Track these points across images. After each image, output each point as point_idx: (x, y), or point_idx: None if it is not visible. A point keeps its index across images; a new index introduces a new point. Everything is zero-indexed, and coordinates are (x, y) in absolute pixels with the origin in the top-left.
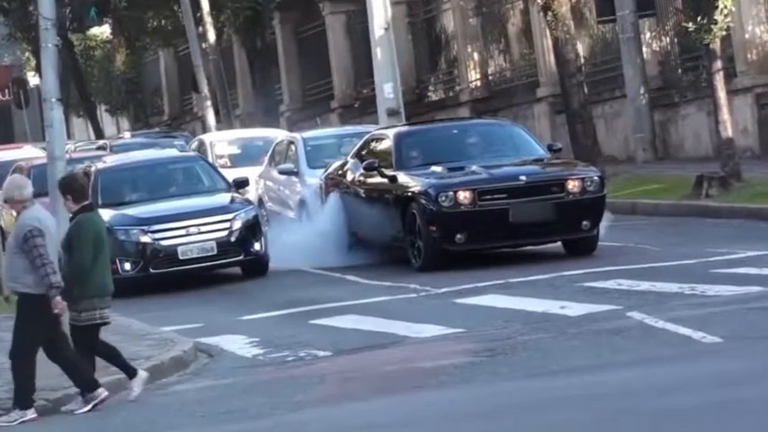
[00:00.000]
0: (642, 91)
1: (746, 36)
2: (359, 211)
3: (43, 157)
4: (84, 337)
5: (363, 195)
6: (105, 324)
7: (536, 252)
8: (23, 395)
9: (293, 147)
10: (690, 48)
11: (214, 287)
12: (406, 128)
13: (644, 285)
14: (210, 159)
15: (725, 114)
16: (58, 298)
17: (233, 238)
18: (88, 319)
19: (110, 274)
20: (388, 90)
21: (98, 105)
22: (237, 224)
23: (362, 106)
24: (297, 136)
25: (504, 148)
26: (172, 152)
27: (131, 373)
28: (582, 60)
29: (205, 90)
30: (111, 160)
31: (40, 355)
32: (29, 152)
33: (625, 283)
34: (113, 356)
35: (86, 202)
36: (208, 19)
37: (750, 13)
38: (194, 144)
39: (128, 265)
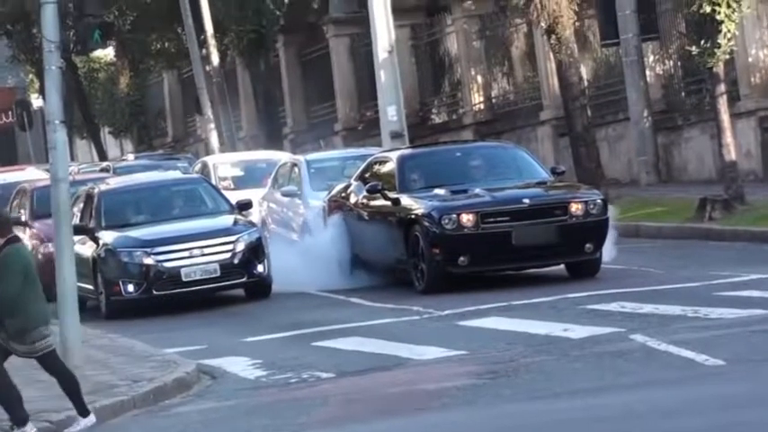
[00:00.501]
0: (645, 114)
1: (750, 60)
2: (362, 234)
3: (47, 179)
4: (50, 364)
5: (366, 218)
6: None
7: (539, 275)
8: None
9: (296, 169)
10: (693, 71)
11: (217, 309)
12: (409, 150)
13: (647, 308)
14: (214, 181)
15: (728, 137)
16: None
17: (236, 260)
18: (43, 348)
19: (44, 301)
20: (391, 113)
21: (101, 127)
22: (240, 246)
23: (366, 129)
24: (300, 158)
25: (507, 170)
26: (175, 174)
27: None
28: (585, 83)
29: (208, 112)
30: (114, 182)
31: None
32: (32, 174)
33: (628, 305)
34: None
35: (11, 235)
36: (211, 41)
37: (753, 36)
38: (197, 166)
39: (131, 287)
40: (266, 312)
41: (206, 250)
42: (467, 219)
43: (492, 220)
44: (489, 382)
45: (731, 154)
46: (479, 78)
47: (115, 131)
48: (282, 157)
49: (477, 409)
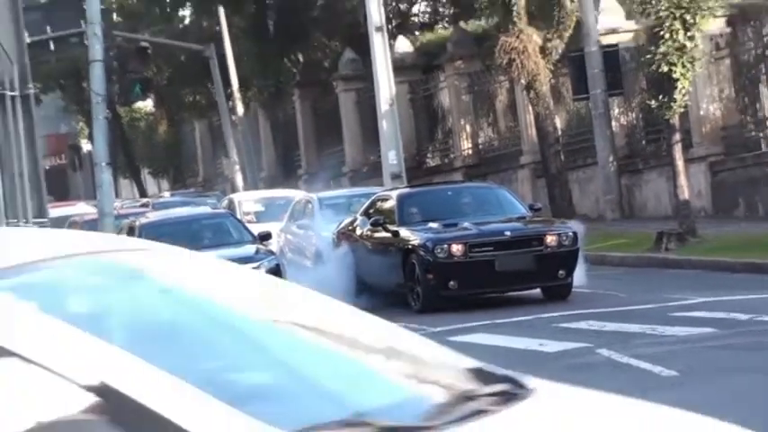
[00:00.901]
0: (611, 159)
1: (701, 113)
2: (366, 261)
3: (94, 213)
4: None
5: (370, 247)
6: None
7: (519, 297)
8: None
9: (310, 205)
10: (652, 122)
11: None
12: (407, 189)
13: (611, 326)
14: (239, 216)
15: (682, 180)
16: None
17: None
18: None
19: None
20: (392, 157)
21: (142, 168)
22: (262, 272)
23: (370, 170)
24: (313, 196)
25: (491, 207)
26: (205, 209)
27: None
28: (559, 132)
29: (234, 156)
30: (153, 216)
31: None
32: (82, 209)
33: (595, 323)
34: None
35: None
36: (237, 95)
37: (705, 93)
38: (225, 202)
39: None
40: None
41: None
42: (456, 248)
43: (478, 249)
44: None
45: (685, 194)
46: (468, 127)
47: (154, 172)
48: (298, 194)
49: None
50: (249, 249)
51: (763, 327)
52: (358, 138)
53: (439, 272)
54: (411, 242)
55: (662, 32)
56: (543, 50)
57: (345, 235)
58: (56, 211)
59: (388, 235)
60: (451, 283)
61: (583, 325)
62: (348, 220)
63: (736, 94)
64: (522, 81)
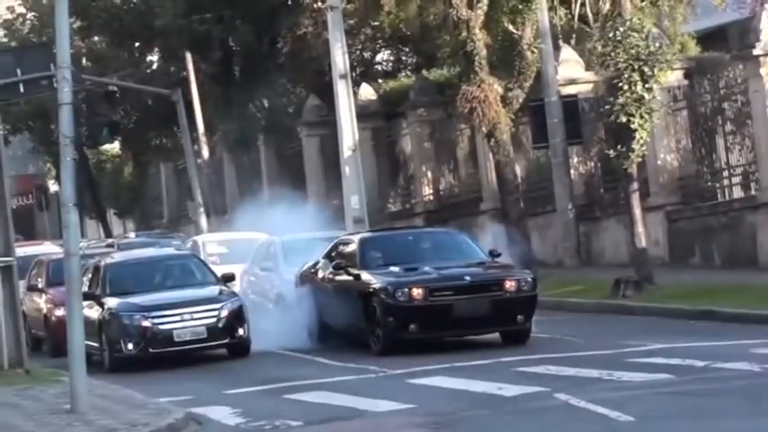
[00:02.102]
0: (570, 206)
1: (659, 162)
2: (328, 303)
3: (60, 252)
4: None
5: (332, 290)
6: None
7: (478, 341)
8: None
9: (273, 248)
10: (611, 171)
11: (204, 365)
12: (369, 234)
13: (569, 371)
14: (203, 257)
15: (640, 228)
16: None
17: (221, 324)
18: None
19: None
20: (354, 201)
21: (108, 209)
22: (225, 312)
23: (333, 214)
24: (276, 239)
25: (452, 252)
26: (170, 250)
27: None
28: (519, 180)
29: (199, 198)
30: (118, 256)
31: None
32: (48, 248)
33: (553, 368)
34: None
35: None
36: (203, 139)
37: (662, 143)
38: (189, 244)
39: (130, 345)
40: (245, 369)
41: (195, 315)
42: (417, 292)
43: (438, 293)
44: None
45: (642, 242)
46: (429, 174)
47: (119, 213)
48: (261, 237)
49: None
50: (213, 290)
51: (718, 374)
52: (321, 182)
53: (399, 315)
54: (372, 285)
55: (621, 84)
56: (504, 100)
57: (308, 277)
58: (22, 249)
59: (350, 278)
60: (412, 326)
61: (541, 369)
62: (310, 263)
63: (692, 144)
64: (483, 129)
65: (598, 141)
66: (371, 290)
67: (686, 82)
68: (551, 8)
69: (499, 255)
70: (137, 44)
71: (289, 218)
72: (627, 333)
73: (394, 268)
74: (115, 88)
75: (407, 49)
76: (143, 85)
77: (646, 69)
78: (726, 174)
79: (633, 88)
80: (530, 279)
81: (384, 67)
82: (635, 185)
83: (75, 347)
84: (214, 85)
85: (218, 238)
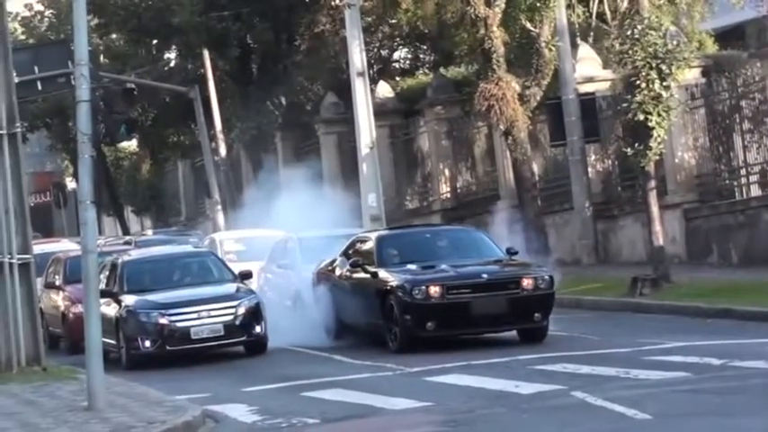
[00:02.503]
0: (587, 204)
1: (676, 161)
2: (345, 301)
3: (78, 250)
4: None
5: (349, 288)
6: None
7: (495, 339)
8: None
9: (290, 245)
10: (628, 169)
11: (221, 363)
12: (386, 231)
13: (585, 369)
14: (220, 254)
15: (657, 226)
16: None
17: (238, 322)
18: None
19: None
20: (371, 199)
21: (125, 207)
22: (242, 310)
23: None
24: (293, 236)
25: (469, 250)
26: (187, 248)
27: None
28: (536, 177)
29: (216, 196)
30: (135, 254)
31: None
32: (65, 245)
33: (570, 366)
34: None
35: None
36: (220, 136)
37: (679, 141)
38: (206, 241)
39: (148, 343)
40: (262, 366)
41: (212, 313)
42: (434, 290)
43: (455, 291)
44: (451, 430)
45: (659, 240)
46: (447, 171)
47: (136, 210)
48: (278, 234)
49: None
50: (230, 288)
51: (735, 372)
52: (338, 180)
53: (416, 313)
54: (389, 283)
55: (638, 82)
56: (522, 97)
57: (325, 275)
58: (40, 247)
59: (367, 276)
60: (429, 324)
61: (558, 367)
62: (328, 260)
63: (710, 142)
64: (501, 127)
65: (615, 139)
66: (389, 287)
67: (704, 80)
68: (569, 6)
69: (516, 252)
70: (154, 41)
71: (306, 215)
72: (644, 331)
73: (411, 266)
74: (133, 85)
75: (425, 47)
76: (161, 82)
77: (663, 67)
78: (743, 172)
79: (651, 86)
80: (547, 277)
81: (402, 65)
82: (652, 183)
83: (92, 345)
84: (232, 82)
85: (235, 235)
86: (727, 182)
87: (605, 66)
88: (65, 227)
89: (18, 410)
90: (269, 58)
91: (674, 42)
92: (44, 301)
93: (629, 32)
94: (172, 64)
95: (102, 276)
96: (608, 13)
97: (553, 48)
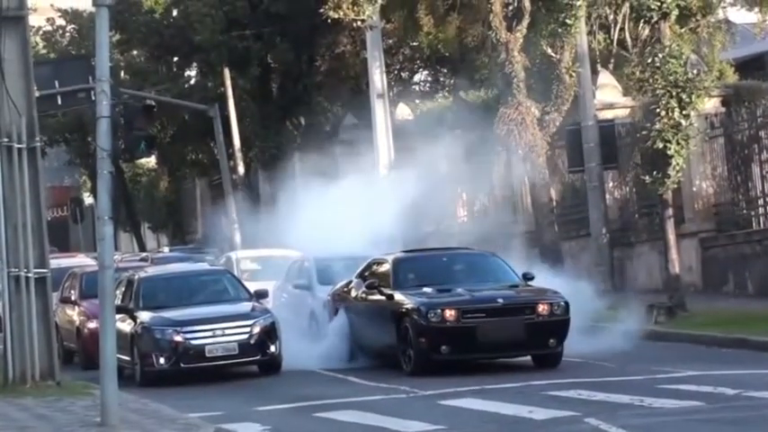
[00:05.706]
0: (604, 231)
1: (694, 189)
2: (360, 323)
3: (94, 265)
4: None
5: (364, 309)
6: None
7: (509, 363)
8: None
9: (306, 265)
10: (646, 196)
11: (234, 381)
12: (402, 254)
13: (600, 396)
14: (236, 273)
15: (673, 254)
16: None
17: (252, 341)
18: None
19: None
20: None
21: (142, 223)
22: (257, 329)
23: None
24: (310, 257)
25: (485, 274)
26: (203, 265)
27: None
28: (554, 203)
29: (233, 214)
30: (151, 270)
31: None
32: (82, 260)
33: (584, 393)
34: None
35: None
36: (238, 155)
37: (698, 170)
38: (223, 259)
39: (162, 360)
40: (276, 386)
41: (227, 331)
42: (449, 314)
43: (470, 315)
44: None
45: (675, 268)
46: (464, 195)
47: (153, 227)
48: (295, 255)
49: None
50: (245, 307)
51: (750, 402)
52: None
53: (431, 336)
54: (405, 306)
55: (658, 110)
56: (541, 122)
57: (340, 296)
58: (56, 261)
59: (383, 298)
60: (443, 347)
61: (572, 394)
62: (344, 282)
63: (728, 172)
64: (520, 152)
65: (634, 167)
66: (404, 310)
67: (723, 109)
68: (590, 32)
69: (532, 278)
70: (175, 59)
71: (323, 235)
72: (659, 359)
73: (427, 289)
74: (153, 102)
75: (445, 70)
76: (181, 99)
77: (683, 96)
78: (761, 202)
79: (670, 114)
80: (563, 303)
81: (421, 88)
82: (670, 211)
83: (106, 360)
84: (251, 101)
85: (251, 254)
86: (745, 212)
87: (625, 93)
88: (81, 242)
89: (31, 425)
90: (289, 78)
91: (695, 71)
92: (59, 316)
93: (649, 60)
94: (192, 81)
95: (117, 292)
96: (629, 40)
97: (573, 74)
